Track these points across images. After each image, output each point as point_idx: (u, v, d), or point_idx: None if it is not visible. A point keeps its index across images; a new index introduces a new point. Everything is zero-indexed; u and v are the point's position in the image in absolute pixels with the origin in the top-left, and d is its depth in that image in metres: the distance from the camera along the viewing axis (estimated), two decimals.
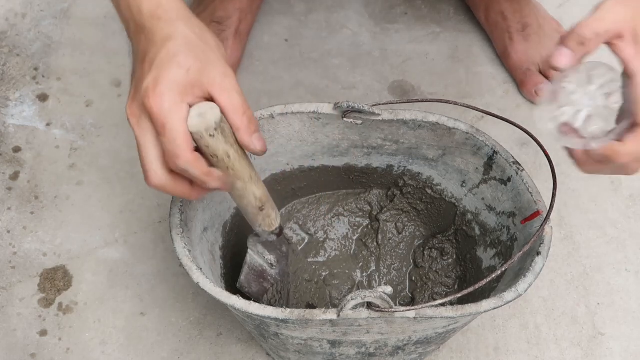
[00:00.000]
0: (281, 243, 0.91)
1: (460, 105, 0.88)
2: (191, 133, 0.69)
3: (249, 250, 0.89)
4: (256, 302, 0.80)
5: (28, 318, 1.07)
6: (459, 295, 0.78)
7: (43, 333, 1.06)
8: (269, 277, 0.91)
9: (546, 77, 1.23)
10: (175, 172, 0.71)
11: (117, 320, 1.07)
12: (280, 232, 0.86)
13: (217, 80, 0.70)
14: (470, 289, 0.77)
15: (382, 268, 1.05)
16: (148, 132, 0.69)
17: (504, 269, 0.79)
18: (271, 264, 0.90)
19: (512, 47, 1.27)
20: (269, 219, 0.83)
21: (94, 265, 1.11)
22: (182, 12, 0.72)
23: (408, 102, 0.90)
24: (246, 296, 1.01)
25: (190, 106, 0.69)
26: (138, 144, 0.70)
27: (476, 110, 0.88)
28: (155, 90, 0.68)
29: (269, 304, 0.90)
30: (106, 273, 1.11)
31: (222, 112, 0.70)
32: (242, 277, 0.90)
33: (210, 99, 0.70)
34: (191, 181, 0.72)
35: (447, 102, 0.89)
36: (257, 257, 0.89)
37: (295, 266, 1.05)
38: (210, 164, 0.72)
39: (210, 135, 0.69)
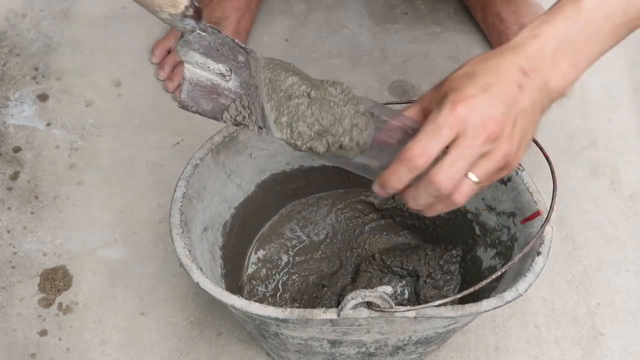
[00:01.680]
0: (233, 51, 0.76)
1: None
2: None
3: (185, 65, 0.73)
4: (213, 119, 0.74)
5: (28, 318, 1.07)
6: (459, 296, 0.78)
7: (43, 333, 1.06)
8: (225, 91, 0.75)
9: None
10: None
11: (117, 320, 1.07)
12: (196, 15, 0.71)
13: None
14: (470, 290, 0.78)
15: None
16: None
17: (504, 270, 0.79)
18: (222, 75, 0.75)
19: None
20: None
21: (94, 265, 1.11)
22: None
23: (408, 102, 0.90)
24: (249, 293, 1.01)
25: None
26: None
27: None
28: None
29: (235, 122, 0.75)
30: (106, 273, 1.11)
31: None
32: (183, 95, 0.73)
33: None
34: None
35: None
36: (198, 69, 0.74)
37: (296, 265, 1.05)
38: None
39: None
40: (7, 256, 1.11)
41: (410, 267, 1.01)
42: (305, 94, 0.78)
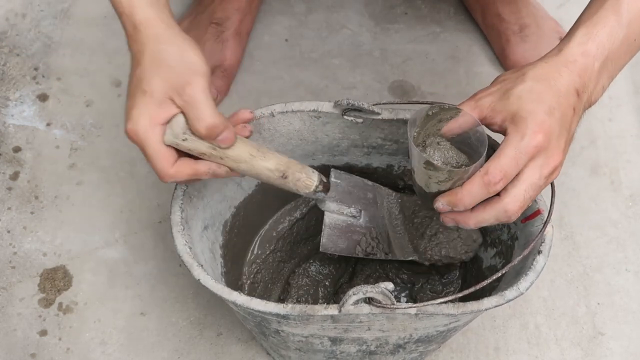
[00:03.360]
0: (363, 190, 0.91)
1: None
2: (169, 145, 0.76)
3: (325, 213, 0.90)
4: (349, 255, 0.90)
5: (28, 318, 1.07)
6: (460, 295, 0.78)
7: (43, 333, 1.06)
8: (358, 228, 0.91)
9: None
10: None
11: (117, 320, 1.07)
12: (325, 188, 0.86)
13: (179, 93, 0.74)
14: (471, 289, 0.78)
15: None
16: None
17: (505, 271, 0.79)
18: (354, 216, 0.91)
19: (509, 49, 1.27)
20: (300, 182, 0.84)
21: (94, 265, 1.11)
22: (157, 28, 0.76)
23: (408, 102, 0.90)
24: (250, 292, 1.01)
25: (169, 121, 0.75)
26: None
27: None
28: (129, 122, 0.74)
29: (366, 253, 0.90)
30: (106, 273, 1.11)
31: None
32: (324, 240, 0.89)
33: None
34: None
35: (447, 104, 0.89)
36: (335, 215, 0.90)
37: (297, 264, 1.05)
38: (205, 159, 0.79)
39: (184, 140, 0.76)
40: (7, 256, 1.11)
41: (405, 277, 1.02)
42: (434, 231, 0.94)
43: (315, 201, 0.90)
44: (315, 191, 0.85)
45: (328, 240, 0.89)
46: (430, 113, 0.80)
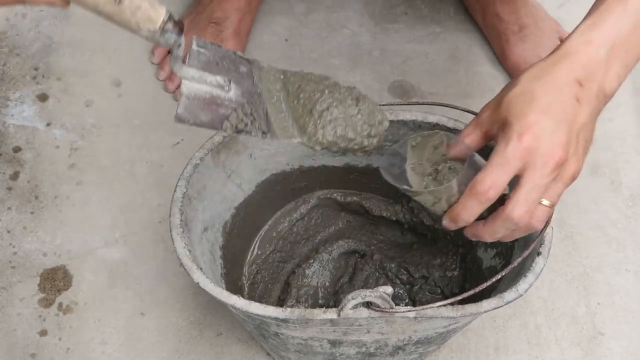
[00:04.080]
0: (235, 63, 0.77)
1: (461, 110, 0.88)
2: None
3: (182, 81, 0.72)
4: (213, 129, 0.75)
5: (28, 318, 1.07)
6: (459, 298, 0.78)
7: (43, 333, 1.06)
8: (226, 102, 0.75)
9: None
10: None
11: (117, 320, 1.07)
12: (177, 29, 0.67)
13: None
14: (470, 292, 0.77)
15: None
16: None
17: (504, 273, 0.79)
18: (221, 86, 0.75)
19: (509, 49, 1.27)
20: (141, 13, 0.65)
21: (94, 265, 1.11)
22: None
23: (408, 104, 0.90)
24: (249, 296, 1.01)
25: None
26: None
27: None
28: None
29: (237, 129, 0.75)
30: (106, 273, 1.11)
31: None
32: (180, 110, 0.71)
33: None
34: None
35: (447, 105, 0.89)
36: (195, 83, 0.73)
37: (297, 265, 1.05)
38: None
39: None
40: (7, 256, 1.11)
41: (404, 278, 1.02)
42: (326, 105, 0.79)
43: (171, 60, 0.71)
44: (162, 29, 0.66)
45: (185, 111, 0.72)
46: (414, 144, 0.80)
